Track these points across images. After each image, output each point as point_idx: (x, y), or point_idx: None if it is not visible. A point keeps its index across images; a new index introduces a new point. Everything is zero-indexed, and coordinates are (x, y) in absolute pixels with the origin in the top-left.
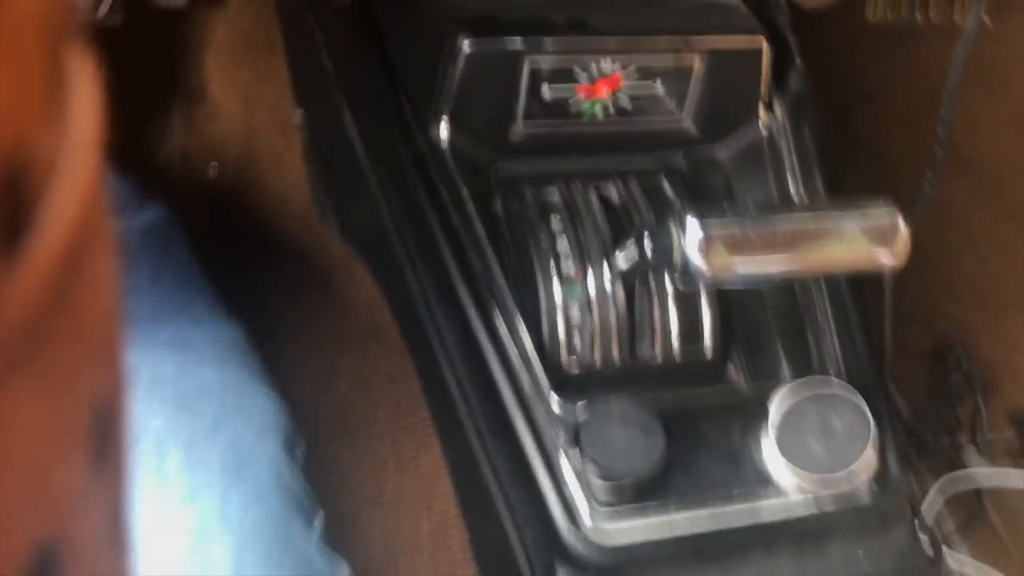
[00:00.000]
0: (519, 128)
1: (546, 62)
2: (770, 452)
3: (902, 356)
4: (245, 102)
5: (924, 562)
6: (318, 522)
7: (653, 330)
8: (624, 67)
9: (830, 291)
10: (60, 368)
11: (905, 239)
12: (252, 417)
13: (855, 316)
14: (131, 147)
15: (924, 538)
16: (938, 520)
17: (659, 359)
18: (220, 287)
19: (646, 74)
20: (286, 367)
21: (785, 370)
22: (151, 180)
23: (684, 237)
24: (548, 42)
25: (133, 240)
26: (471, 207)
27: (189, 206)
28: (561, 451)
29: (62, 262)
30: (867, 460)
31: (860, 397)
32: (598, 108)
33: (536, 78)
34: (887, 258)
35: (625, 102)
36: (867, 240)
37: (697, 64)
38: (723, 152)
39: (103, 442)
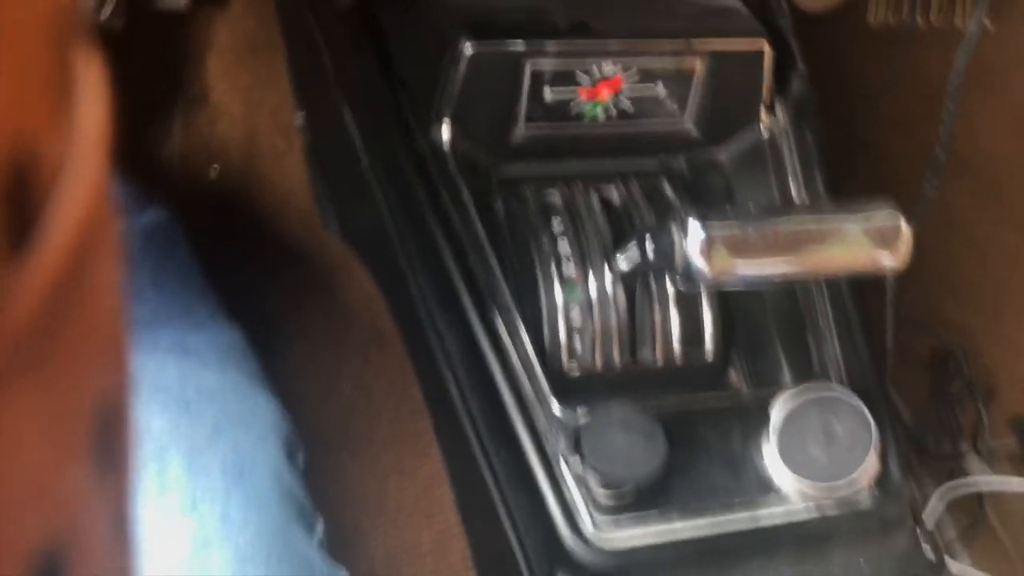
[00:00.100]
0: (520, 130)
1: (548, 65)
2: (771, 458)
3: (903, 360)
4: (246, 104)
5: (926, 568)
6: (319, 529)
7: (654, 334)
8: (626, 69)
9: (831, 294)
10: (65, 371)
11: (907, 241)
12: (253, 423)
13: (856, 320)
14: (132, 149)
15: (926, 544)
16: (939, 526)
17: (660, 363)
18: (221, 289)
19: (648, 76)
20: (287, 371)
21: (786, 375)
22: (152, 182)
23: (686, 239)
24: (550, 45)
25: (134, 243)
26: (472, 209)
27: (190, 208)
28: (562, 457)
29: (68, 264)
30: (869, 466)
31: (861, 402)
32: (599, 110)
33: (538, 80)
34: (889, 260)
35: (627, 104)
36: (869, 242)
37: (699, 67)
38: (724, 154)
39: (108, 445)
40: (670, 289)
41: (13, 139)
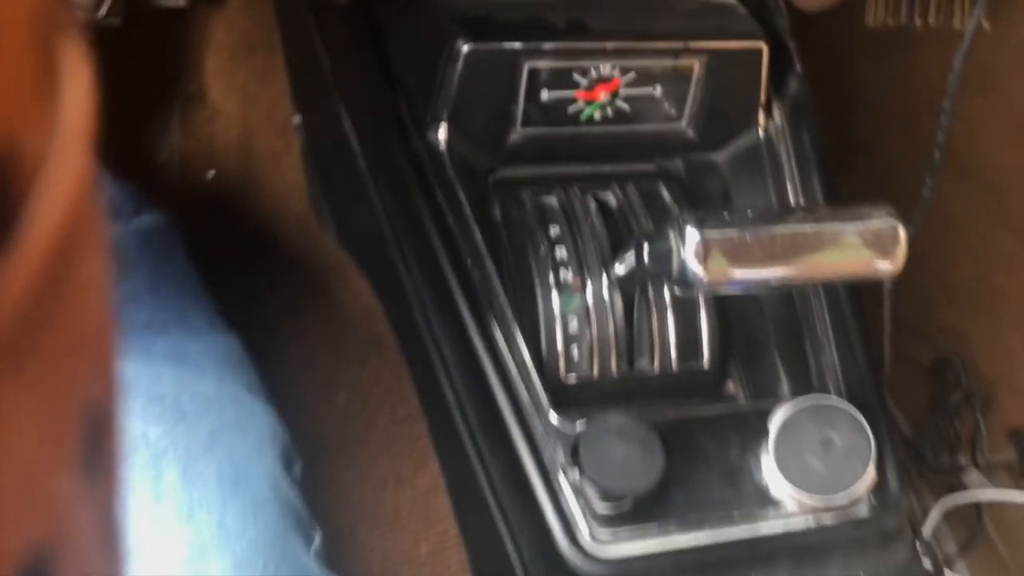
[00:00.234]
0: (517, 132)
1: (545, 65)
2: (769, 469)
3: (901, 369)
4: (243, 102)
5: None
6: (317, 538)
7: (652, 343)
8: (623, 71)
9: (829, 303)
10: (51, 370)
11: (903, 246)
12: (250, 431)
13: (855, 329)
14: (130, 149)
15: (924, 555)
16: (938, 537)
17: (657, 372)
18: (217, 293)
19: (645, 78)
20: (284, 376)
21: (784, 385)
22: (149, 182)
23: (683, 245)
24: (547, 45)
25: (130, 247)
26: (469, 212)
27: (186, 209)
28: (560, 467)
29: (52, 260)
30: (867, 477)
31: (860, 413)
32: (596, 112)
33: (535, 81)
34: (886, 265)
35: (624, 106)
36: (865, 247)
37: (696, 68)
38: (722, 157)
39: (95, 445)
40: (668, 298)
41: None
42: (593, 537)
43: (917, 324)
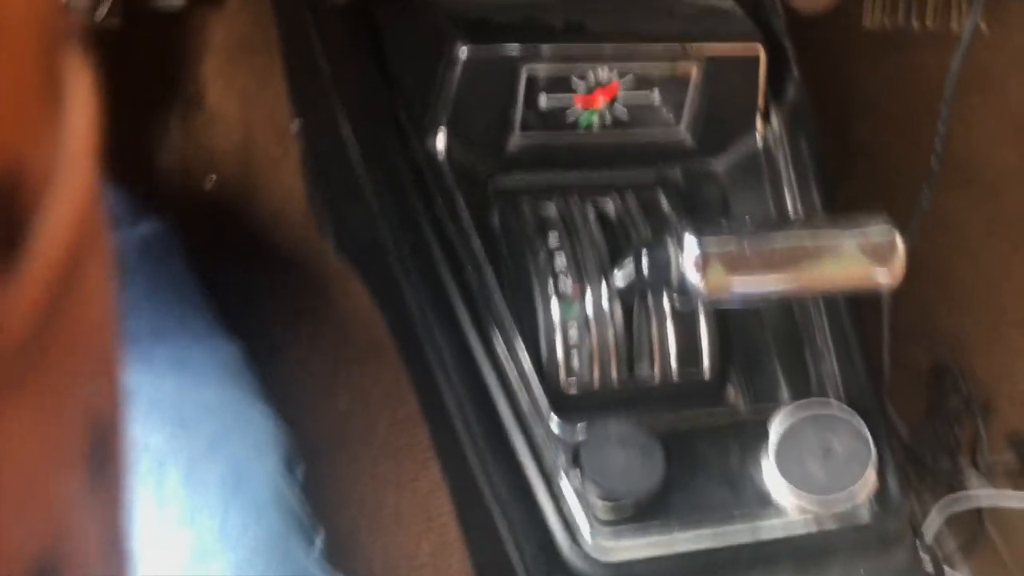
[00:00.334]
0: (516, 138)
1: (543, 70)
2: (770, 474)
3: (900, 374)
4: (242, 105)
5: None
6: (318, 541)
7: (651, 350)
8: (621, 76)
9: (828, 310)
10: (56, 383)
11: (902, 257)
12: (251, 436)
13: (853, 335)
14: (128, 151)
15: (925, 558)
16: (939, 540)
17: (658, 379)
18: (216, 299)
19: (643, 83)
20: (284, 383)
21: (784, 391)
22: (148, 188)
23: (682, 255)
24: (545, 49)
25: (130, 254)
26: (468, 219)
27: (185, 214)
28: (561, 471)
29: (58, 275)
30: (867, 481)
31: (859, 418)
32: (595, 118)
33: (533, 86)
34: (884, 277)
35: (622, 112)
36: (864, 258)
37: (694, 72)
38: (720, 164)
39: (101, 456)
40: (667, 306)
41: (0, 149)
42: (595, 540)
43: (915, 328)
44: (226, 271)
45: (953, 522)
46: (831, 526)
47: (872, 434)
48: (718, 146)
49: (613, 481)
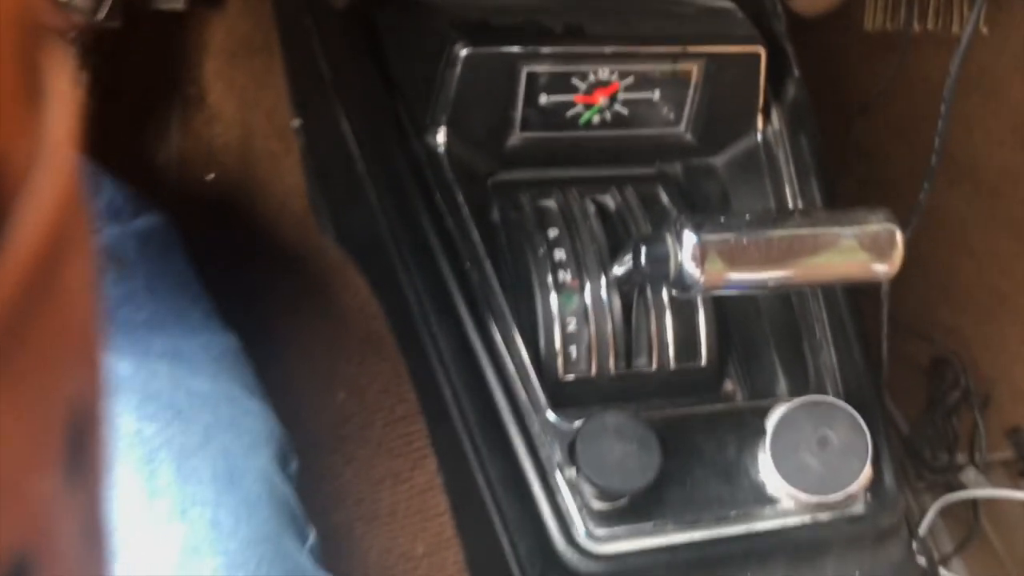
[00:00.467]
0: (516, 136)
1: (544, 70)
2: (766, 467)
3: (899, 369)
4: (242, 105)
5: None
6: (312, 536)
7: (650, 343)
8: (622, 76)
9: (827, 303)
10: (35, 373)
11: (900, 248)
12: (245, 430)
13: (852, 329)
14: (129, 150)
15: (919, 553)
16: (935, 536)
17: (655, 371)
18: (216, 293)
19: (644, 82)
20: (281, 376)
21: (782, 384)
22: (148, 184)
23: (680, 247)
24: (545, 50)
25: (130, 247)
26: (468, 215)
27: (185, 211)
28: (556, 465)
29: (37, 266)
30: (863, 475)
31: (857, 413)
32: (596, 117)
33: (533, 85)
34: (883, 268)
35: (623, 111)
36: (862, 250)
37: (695, 72)
38: (720, 161)
39: (80, 448)
40: (666, 298)
41: None
42: (589, 534)
43: (915, 324)
44: (226, 266)
45: (949, 517)
46: (826, 520)
47: (869, 427)
48: (718, 144)
49: (609, 476)
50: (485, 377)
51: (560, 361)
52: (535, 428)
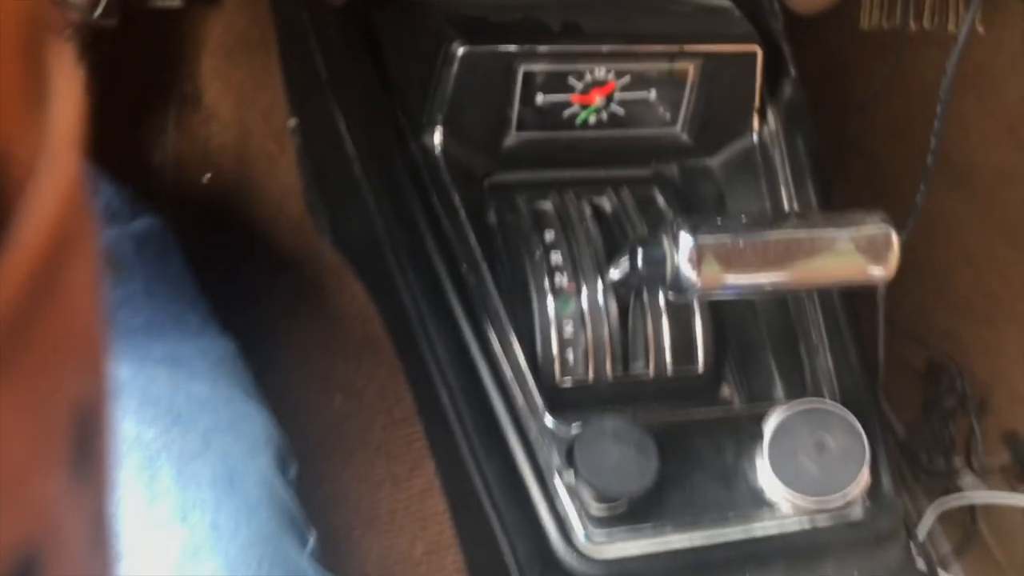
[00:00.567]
0: (513, 136)
1: (540, 69)
2: (764, 471)
3: (896, 372)
4: (239, 105)
5: None
6: (311, 540)
7: (647, 346)
8: (619, 75)
9: (824, 307)
10: (40, 373)
11: (896, 251)
12: (244, 434)
13: (849, 333)
14: (126, 148)
15: (918, 557)
16: (932, 540)
17: (652, 376)
18: (213, 296)
19: (640, 82)
20: (279, 378)
21: (779, 388)
22: (145, 184)
23: (676, 250)
24: (542, 48)
25: (127, 250)
26: (464, 216)
27: (182, 212)
28: (555, 469)
29: (41, 266)
30: (861, 479)
31: (854, 417)
32: (592, 117)
33: (530, 84)
34: (878, 271)
35: (619, 110)
36: (858, 253)
37: (692, 72)
38: (716, 162)
39: (85, 447)
40: (662, 302)
41: None
42: (588, 538)
43: (912, 328)
44: (223, 268)
45: (947, 521)
46: (824, 524)
47: (866, 431)
48: (715, 145)
49: (607, 479)
50: (482, 381)
51: (557, 366)
52: (533, 432)
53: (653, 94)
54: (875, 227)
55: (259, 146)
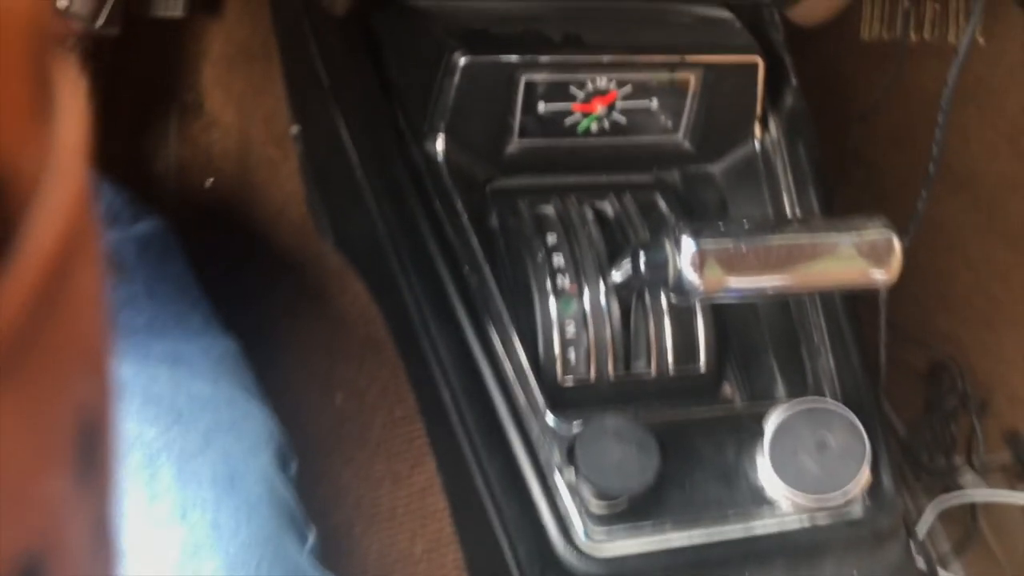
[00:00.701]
0: (515, 143)
1: (542, 77)
2: (765, 470)
3: (897, 373)
4: (241, 113)
5: None
6: (311, 538)
7: (648, 346)
8: (620, 84)
9: (825, 308)
10: (45, 379)
11: (899, 256)
12: (245, 433)
13: (850, 333)
14: (128, 157)
15: (918, 555)
16: (932, 538)
17: (654, 375)
18: (215, 298)
19: (642, 91)
20: (281, 379)
21: (780, 388)
22: (147, 190)
23: (679, 254)
24: (544, 58)
25: (129, 252)
26: (466, 221)
27: (184, 216)
28: (555, 467)
29: (48, 275)
30: (861, 478)
31: (855, 416)
32: (593, 124)
33: (531, 93)
34: (881, 275)
35: (620, 118)
36: (861, 257)
37: (693, 81)
38: (718, 168)
39: (89, 452)
40: (664, 302)
41: None
42: (588, 536)
43: (913, 330)
44: (225, 271)
45: (947, 519)
46: (824, 522)
47: (867, 431)
48: (716, 152)
49: (608, 478)
50: (484, 381)
51: (559, 365)
52: (534, 431)
53: (655, 103)
54: (878, 232)
55: (261, 152)
